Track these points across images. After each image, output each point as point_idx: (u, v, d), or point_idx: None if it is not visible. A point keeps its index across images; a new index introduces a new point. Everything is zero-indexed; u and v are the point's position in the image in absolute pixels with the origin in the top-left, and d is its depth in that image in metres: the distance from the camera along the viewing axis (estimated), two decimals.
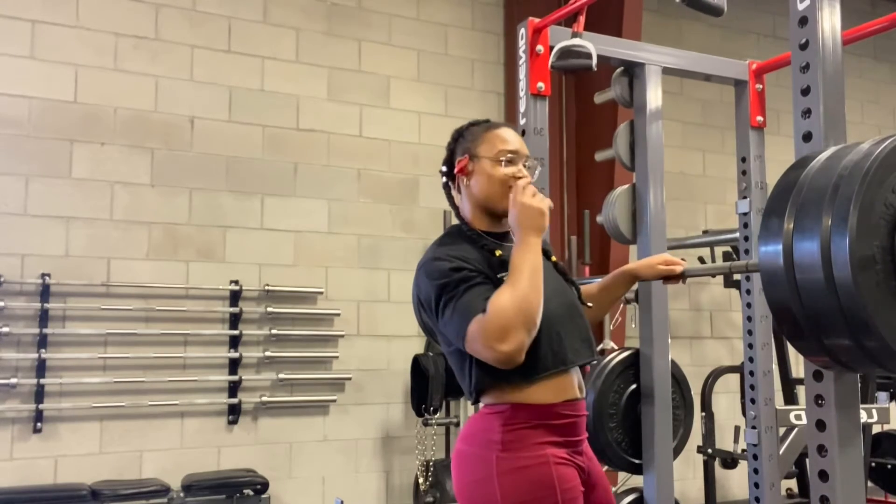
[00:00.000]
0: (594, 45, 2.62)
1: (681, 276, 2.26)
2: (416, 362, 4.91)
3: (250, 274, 4.92)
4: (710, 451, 5.01)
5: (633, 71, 3.05)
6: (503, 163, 1.95)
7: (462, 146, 2.01)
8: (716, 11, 2.49)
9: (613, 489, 5.24)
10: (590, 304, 2.14)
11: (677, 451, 3.01)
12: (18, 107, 4.48)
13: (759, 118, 3.24)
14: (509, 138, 1.99)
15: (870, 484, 5.15)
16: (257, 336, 4.90)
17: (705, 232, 5.82)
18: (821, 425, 1.80)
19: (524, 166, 1.97)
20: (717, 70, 3.24)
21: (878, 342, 1.50)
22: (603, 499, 1.98)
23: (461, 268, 1.82)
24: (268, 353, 4.89)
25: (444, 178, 2.05)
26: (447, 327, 1.82)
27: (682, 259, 2.32)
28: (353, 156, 5.31)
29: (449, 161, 2.04)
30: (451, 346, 1.90)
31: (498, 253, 1.91)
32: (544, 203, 1.85)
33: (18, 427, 4.33)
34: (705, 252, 5.71)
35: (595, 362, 2.34)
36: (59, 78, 4.58)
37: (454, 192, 2.05)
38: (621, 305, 5.27)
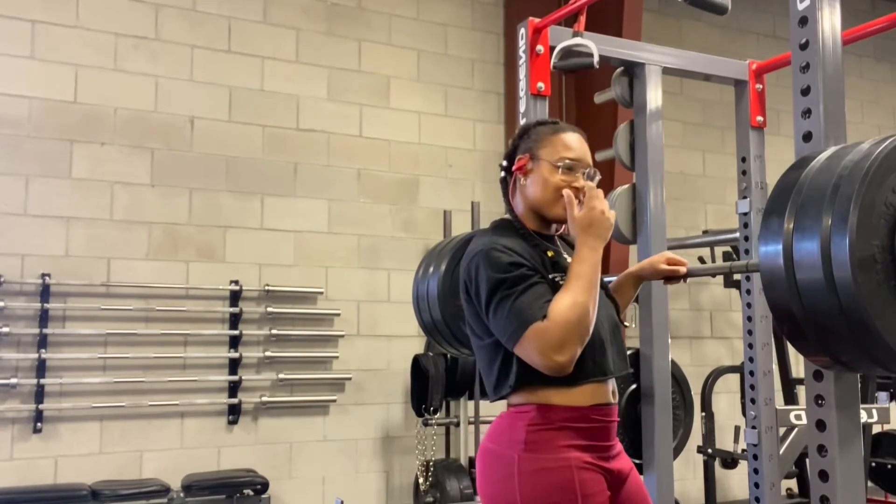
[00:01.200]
0: (595, 44, 2.62)
1: (683, 276, 2.24)
2: (416, 362, 4.91)
3: (250, 274, 4.92)
4: (710, 451, 5.01)
5: (633, 71, 3.05)
6: (561, 169, 1.92)
7: (526, 144, 1.99)
8: (720, 10, 2.50)
9: None
10: (626, 324, 2.13)
11: (677, 451, 3.01)
12: (18, 107, 4.48)
13: (759, 118, 3.24)
14: (573, 145, 1.95)
15: (870, 484, 5.15)
16: (257, 336, 4.90)
17: (705, 232, 5.82)
18: (821, 425, 1.80)
19: (583, 174, 1.93)
20: (717, 70, 3.24)
21: (878, 342, 1.50)
22: None
23: (519, 264, 1.80)
24: (268, 353, 4.89)
25: (503, 173, 2.03)
26: (497, 323, 1.79)
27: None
28: (353, 156, 5.31)
29: (510, 156, 2.02)
30: (486, 338, 1.87)
31: (550, 253, 1.90)
32: (613, 215, 1.87)
33: (18, 427, 4.33)
34: (705, 252, 5.71)
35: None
36: (59, 78, 4.58)
37: (510, 188, 2.02)
38: None
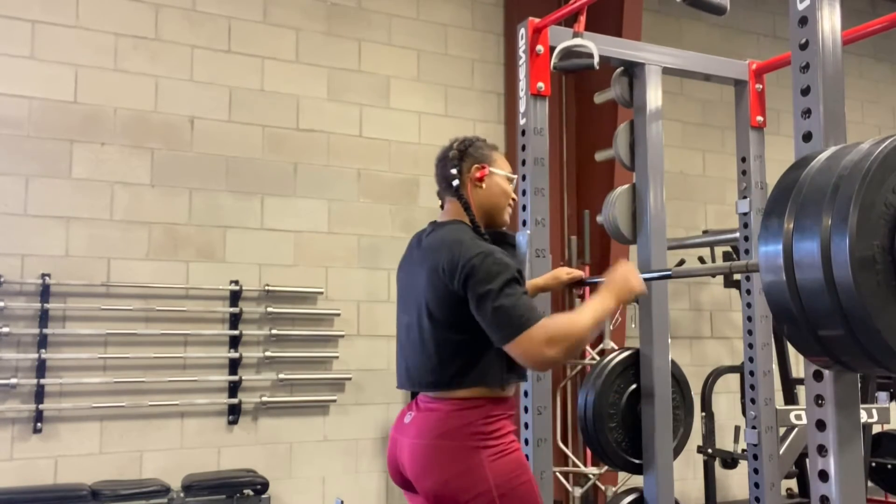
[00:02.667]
0: (595, 45, 2.62)
1: (582, 282, 2.70)
2: None
3: (250, 274, 4.93)
4: (710, 451, 5.01)
5: (633, 71, 3.05)
6: (511, 181, 2.30)
7: (475, 157, 2.25)
8: (718, 10, 2.50)
9: (613, 489, 5.27)
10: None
11: (677, 451, 3.01)
12: (18, 107, 4.48)
13: (759, 118, 3.24)
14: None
15: (870, 484, 5.15)
16: (257, 336, 4.90)
17: (705, 232, 5.82)
18: (821, 425, 1.80)
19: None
20: (717, 70, 3.24)
21: (878, 342, 1.50)
22: None
23: (521, 276, 2.04)
24: (268, 354, 4.89)
25: (456, 182, 2.23)
26: (498, 314, 1.95)
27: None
28: (353, 156, 5.31)
29: (458, 167, 2.24)
30: (460, 334, 2.05)
31: None
32: (642, 287, 2.21)
33: (18, 427, 4.33)
34: (705, 252, 5.71)
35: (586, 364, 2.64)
36: (59, 78, 4.58)
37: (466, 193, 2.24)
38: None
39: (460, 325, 2.04)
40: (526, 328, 1.92)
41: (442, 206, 2.32)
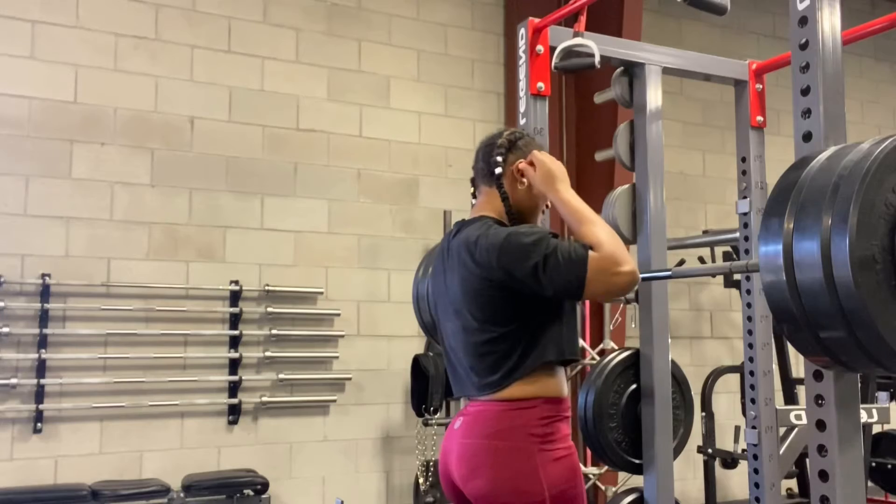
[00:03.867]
0: (595, 44, 2.62)
1: None
2: (416, 362, 4.91)
3: (250, 274, 4.92)
4: (710, 451, 5.01)
5: (633, 71, 3.05)
6: None
7: (523, 151, 2.17)
8: (719, 10, 2.49)
9: (613, 489, 5.27)
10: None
11: (677, 451, 3.01)
12: (18, 107, 4.48)
13: (759, 118, 3.24)
14: None
15: (870, 484, 5.15)
16: (257, 336, 4.90)
17: (705, 232, 5.82)
18: (821, 425, 1.80)
19: None
20: (717, 70, 3.24)
21: (878, 342, 1.50)
22: None
23: (553, 234, 1.96)
24: (268, 354, 4.89)
25: (499, 170, 2.14)
26: (556, 273, 1.86)
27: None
28: (353, 156, 5.31)
29: (504, 156, 2.15)
30: (506, 325, 1.98)
31: None
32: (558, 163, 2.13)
33: (18, 427, 4.33)
34: (705, 252, 5.70)
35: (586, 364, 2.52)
36: (59, 78, 4.58)
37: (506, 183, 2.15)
38: (621, 305, 5.27)
39: (502, 318, 1.98)
40: (584, 272, 1.83)
41: (474, 196, 2.26)
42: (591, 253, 1.86)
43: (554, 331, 2.02)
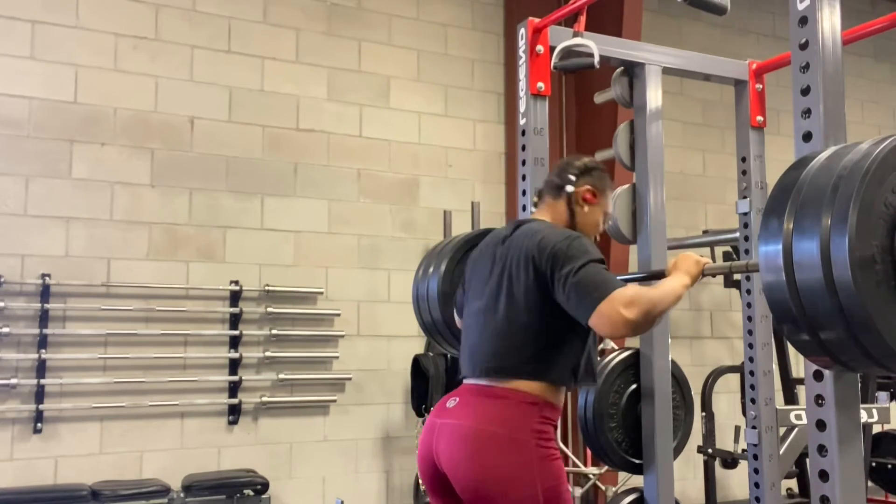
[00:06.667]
0: (595, 44, 2.62)
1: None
2: (416, 362, 4.91)
3: (250, 274, 4.92)
4: (710, 451, 5.01)
5: (633, 71, 3.05)
6: (607, 218, 2.45)
7: (594, 181, 2.35)
8: (719, 10, 2.50)
9: (613, 489, 5.27)
10: None
11: (677, 451, 3.01)
12: (18, 107, 4.48)
13: (759, 118, 3.24)
14: None
15: (870, 484, 5.15)
16: (257, 336, 4.90)
17: (705, 232, 5.82)
18: (821, 425, 1.80)
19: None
20: (717, 70, 3.24)
21: (878, 342, 1.50)
22: None
23: (603, 262, 2.10)
24: (268, 354, 4.89)
25: (570, 188, 2.33)
26: (578, 287, 2.00)
27: None
28: (353, 156, 5.31)
29: (577, 177, 2.34)
30: (541, 320, 2.08)
31: None
32: (704, 259, 2.27)
33: (18, 427, 4.33)
34: (705, 252, 5.70)
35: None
36: (59, 78, 4.58)
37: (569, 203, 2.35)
38: None
39: (539, 311, 2.08)
40: (606, 295, 1.95)
41: (536, 204, 2.44)
42: (633, 286, 1.98)
43: (578, 348, 2.13)
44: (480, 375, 2.13)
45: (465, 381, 2.22)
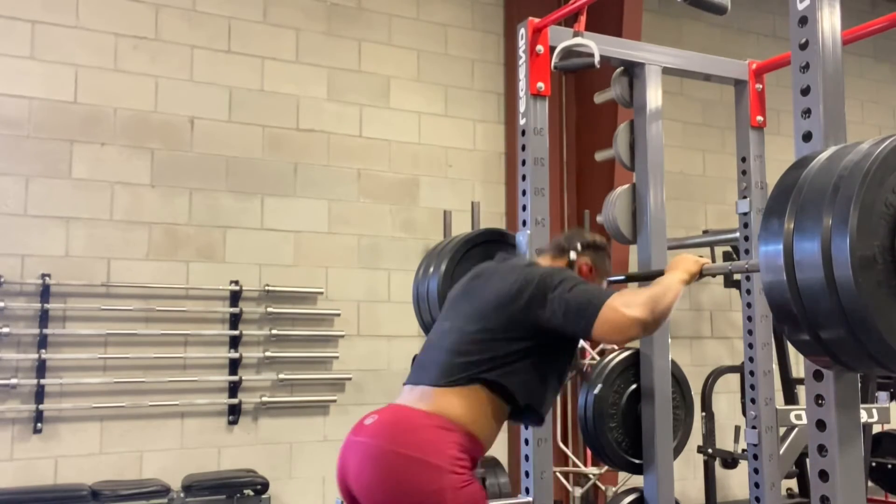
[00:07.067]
0: (595, 44, 2.62)
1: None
2: None
3: (250, 274, 4.92)
4: (710, 451, 5.01)
5: (633, 71, 3.05)
6: None
7: (594, 258, 2.42)
8: (719, 10, 2.49)
9: (613, 489, 5.27)
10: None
11: (677, 451, 3.01)
12: (18, 107, 4.48)
13: (759, 118, 3.24)
14: None
15: (870, 484, 5.15)
16: (257, 336, 4.90)
17: (705, 232, 5.82)
18: (821, 425, 1.80)
19: None
20: (717, 70, 3.24)
21: (879, 342, 1.50)
22: None
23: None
24: (268, 354, 4.89)
25: (574, 255, 2.40)
26: (571, 304, 2.03)
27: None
28: (353, 156, 5.31)
29: (583, 250, 2.42)
30: (512, 342, 2.07)
31: None
32: (701, 259, 2.27)
33: (18, 427, 4.33)
34: (705, 252, 5.70)
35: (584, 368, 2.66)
36: (59, 78, 4.58)
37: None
38: None
39: (511, 334, 2.08)
40: (603, 303, 1.99)
41: (538, 254, 2.54)
42: (624, 290, 2.07)
43: (536, 377, 2.10)
44: (429, 381, 2.06)
45: (403, 387, 2.17)
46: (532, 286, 2.09)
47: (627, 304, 1.98)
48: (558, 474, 5.07)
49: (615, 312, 1.97)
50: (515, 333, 2.08)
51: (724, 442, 5.28)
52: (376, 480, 1.93)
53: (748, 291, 3.23)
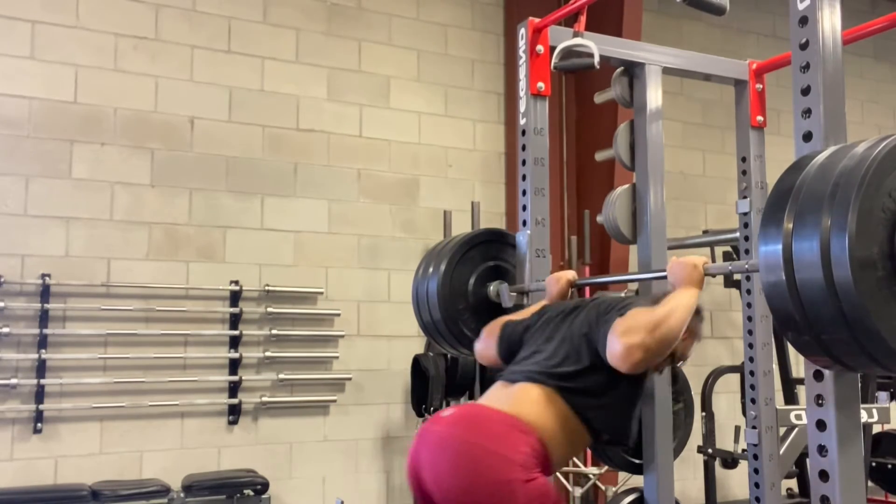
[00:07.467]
0: (595, 44, 2.62)
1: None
2: (416, 362, 4.91)
3: (250, 274, 4.92)
4: (710, 451, 5.01)
5: (633, 71, 3.05)
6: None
7: (694, 324, 2.28)
8: (718, 11, 2.49)
9: (613, 489, 5.26)
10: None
11: (677, 452, 3.01)
12: (18, 107, 4.48)
13: (759, 118, 3.24)
14: None
15: (870, 484, 5.15)
16: (257, 336, 4.90)
17: (705, 232, 5.82)
18: (821, 425, 1.80)
19: None
20: (717, 70, 3.24)
21: (878, 342, 1.50)
22: None
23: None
24: (268, 354, 4.89)
25: None
26: (602, 329, 2.07)
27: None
28: (353, 156, 5.31)
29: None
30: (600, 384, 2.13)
31: None
32: (701, 259, 2.22)
33: (18, 427, 4.33)
34: (705, 252, 5.70)
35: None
36: (59, 78, 4.58)
37: None
38: None
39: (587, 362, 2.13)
40: (610, 327, 2.00)
41: None
42: (614, 323, 2.02)
43: (616, 408, 2.15)
44: (542, 373, 2.13)
45: (497, 379, 2.24)
46: (592, 318, 2.15)
47: (628, 330, 1.98)
48: (558, 474, 5.07)
49: (615, 341, 1.99)
50: (590, 362, 2.12)
51: (724, 442, 5.27)
52: (449, 467, 1.97)
53: (748, 291, 3.23)
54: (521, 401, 2.07)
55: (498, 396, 2.14)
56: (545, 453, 2.02)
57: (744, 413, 3.38)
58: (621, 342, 1.96)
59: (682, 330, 2.05)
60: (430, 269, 2.96)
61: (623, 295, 2.23)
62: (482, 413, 2.07)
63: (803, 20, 1.92)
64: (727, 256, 5.47)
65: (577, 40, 2.62)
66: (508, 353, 2.40)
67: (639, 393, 2.23)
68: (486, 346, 2.53)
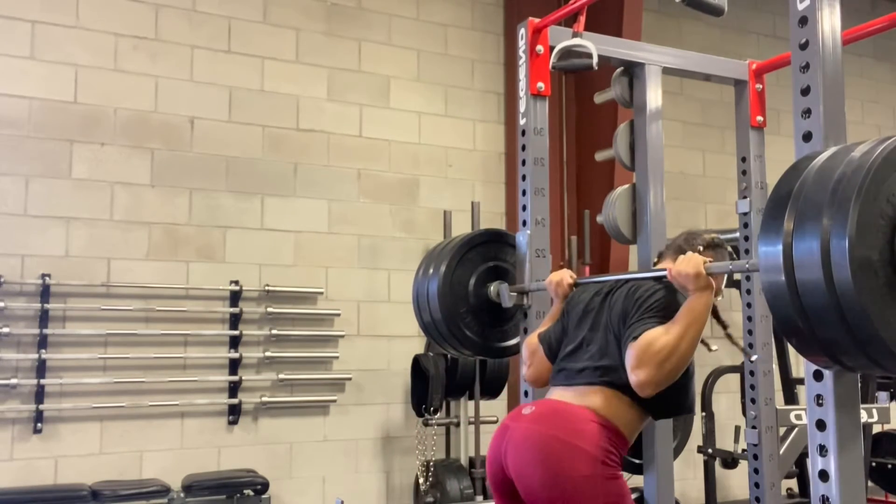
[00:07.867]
0: (594, 45, 2.62)
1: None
2: (416, 362, 4.91)
3: (250, 274, 4.92)
4: (710, 451, 5.01)
5: (633, 71, 3.05)
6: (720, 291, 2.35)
7: (716, 255, 2.32)
8: (716, 11, 2.49)
9: None
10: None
11: (677, 451, 3.01)
12: (18, 107, 4.48)
13: (759, 118, 3.24)
14: None
15: (870, 484, 5.15)
16: (257, 336, 4.90)
17: None
18: (821, 425, 1.80)
19: None
20: (717, 70, 3.24)
21: (878, 343, 1.50)
22: None
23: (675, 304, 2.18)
24: (268, 354, 4.89)
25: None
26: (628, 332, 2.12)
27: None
28: (353, 156, 5.31)
29: (702, 252, 2.28)
30: None
31: None
32: (700, 258, 2.17)
33: (18, 427, 4.33)
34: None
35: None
36: (59, 78, 4.58)
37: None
38: None
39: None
40: (626, 354, 2.05)
41: (655, 263, 2.54)
42: (646, 334, 2.02)
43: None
44: (586, 374, 2.18)
45: (551, 387, 2.29)
46: (620, 320, 2.18)
47: (639, 363, 1.99)
48: None
49: (628, 371, 2.02)
50: None
51: (724, 442, 5.27)
52: (534, 462, 2.04)
53: (748, 291, 3.23)
54: (590, 394, 2.14)
55: (566, 394, 2.20)
56: (621, 441, 2.11)
57: (744, 413, 3.38)
58: (633, 375, 2.01)
59: (694, 348, 2.08)
60: (431, 270, 2.96)
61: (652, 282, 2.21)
62: (562, 408, 2.14)
63: (803, 20, 1.92)
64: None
65: (576, 40, 2.62)
66: (553, 355, 2.44)
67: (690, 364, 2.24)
68: (535, 363, 2.50)
